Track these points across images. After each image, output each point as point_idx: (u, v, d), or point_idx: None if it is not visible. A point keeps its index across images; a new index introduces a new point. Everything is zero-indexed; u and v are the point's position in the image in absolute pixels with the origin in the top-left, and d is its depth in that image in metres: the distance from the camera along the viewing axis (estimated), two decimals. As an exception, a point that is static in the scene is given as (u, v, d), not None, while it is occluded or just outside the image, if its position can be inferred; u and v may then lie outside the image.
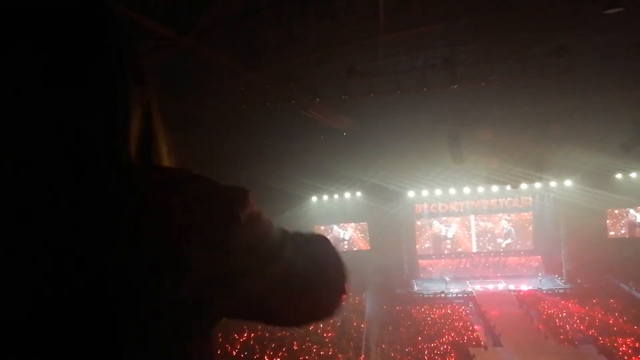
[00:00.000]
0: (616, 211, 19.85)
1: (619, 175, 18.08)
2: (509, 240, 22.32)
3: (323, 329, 15.69)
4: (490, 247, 22.54)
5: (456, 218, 22.62)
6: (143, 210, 0.57)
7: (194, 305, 0.59)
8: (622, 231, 19.94)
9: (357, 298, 18.99)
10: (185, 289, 0.57)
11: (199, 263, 0.59)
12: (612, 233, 20.00)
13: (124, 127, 0.62)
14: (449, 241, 22.66)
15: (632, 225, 19.90)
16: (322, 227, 21.38)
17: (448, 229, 22.62)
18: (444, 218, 22.59)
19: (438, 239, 22.66)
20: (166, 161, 0.69)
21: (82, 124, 0.58)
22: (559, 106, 12.22)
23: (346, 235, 22.15)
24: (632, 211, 19.78)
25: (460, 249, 22.64)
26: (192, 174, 0.63)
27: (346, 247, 21.69)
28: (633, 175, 18.04)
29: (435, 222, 22.64)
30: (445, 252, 22.66)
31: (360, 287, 19.05)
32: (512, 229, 22.29)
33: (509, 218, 22.33)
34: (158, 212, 0.57)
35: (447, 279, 21.09)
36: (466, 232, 22.69)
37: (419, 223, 22.67)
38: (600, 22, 7.81)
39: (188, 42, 6.81)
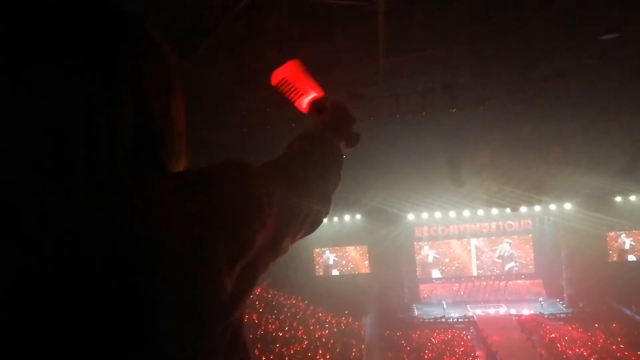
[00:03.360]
0: (615, 235, 19.75)
1: (618, 199, 18.06)
2: (512, 264, 22.16)
3: (322, 354, 15.44)
4: (491, 271, 22.38)
5: (455, 241, 22.51)
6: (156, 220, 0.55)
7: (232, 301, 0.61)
8: (615, 257, 19.77)
9: (356, 322, 18.76)
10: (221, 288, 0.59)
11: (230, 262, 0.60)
12: (611, 258, 19.84)
13: (124, 132, 0.59)
14: (445, 266, 22.48)
15: (621, 251, 19.78)
16: (321, 250, 21.28)
17: (438, 254, 22.44)
18: (445, 241, 22.48)
19: (427, 265, 22.49)
20: (182, 162, 0.70)
21: (86, 128, 0.56)
22: (559, 129, 12.31)
23: (345, 259, 22.00)
24: (623, 236, 19.67)
25: (461, 273, 22.47)
26: (202, 173, 0.63)
27: (345, 270, 21.53)
28: (632, 198, 18.03)
29: (425, 247, 22.51)
30: (445, 276, 22.48)
31: (360, 311, 18.84)
32: (514, 252, 22.17)
33: (510, 241, 22.22)
34: (173, 220, 0.56)
35: (445, 304, 20.90)
36: (466, 256, 22.55)
37: (418, 245, 22.56)
38: (597, 46, 7.94)
39: (189, 65, 6.89)
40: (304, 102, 1.10)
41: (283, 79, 1.09)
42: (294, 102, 1.10)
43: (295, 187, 0.80)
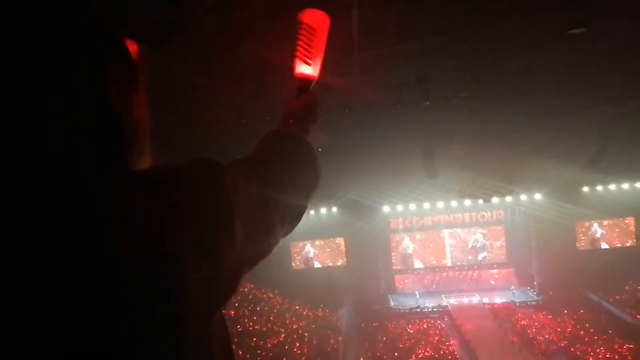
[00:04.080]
0: (586, 224, 20.34)
1: (586, 189, 18.60)
2: (484, 254, 22.63)
3: (299, 347, 15.51)
4: (464, 261, 22.81)
5: (429, 232, 22.82)
6: (123, 217, 0.55)
7: (199, 301, 0.59)
8: (584, 244, 20.40)
9: (333, 314, 18.88)
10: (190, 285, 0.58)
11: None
12: (580, 246, 20.45)
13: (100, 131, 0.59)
14: (416, 256, 22.79)
15: (593, 240, 20.41)
16: (300, 244, 21.28)
17: (415, 245, 22.76)
18: (420, 232, 22.76)
19: (406, 255, 22.79)
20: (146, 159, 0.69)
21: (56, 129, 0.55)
22: (529, 122, 12.57)
23: (321, 251, 22.07)
24: (595, 225, 20.27)
25: (434, 263, 22.83)
26: (170, 172, 0.63)
27: (325, 262, 21.62)
28: (599, 188, 18.59)
29: (406, 239, 22.79)
30: (419, 266, 22.80)
31: (337, 303, 18.97)
32: (486, 242, 22.63)
33: (483, 232, 22.66)
34: (140, 217, 0.56)
35: (418, 294, 21.23)
36: (441, 247, 22.91)
37: (394, 237, 22.79)
38: (565, 42, 8.12)
39: (159, 60, 6.76)
40: (303, 68, 1.05)
41: (311, 26, 1.02)
42: (297, 54, 1.04)
43: (269, 185, 0.80)
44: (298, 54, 1.04)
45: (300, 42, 1.03)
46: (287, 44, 1.13)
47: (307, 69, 1.05)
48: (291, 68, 1.07)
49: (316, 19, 1.02)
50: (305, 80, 1.07)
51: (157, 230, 0.56)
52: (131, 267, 0.54)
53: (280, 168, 0.86)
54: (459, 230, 22.78)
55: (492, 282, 22.21)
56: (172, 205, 0.58)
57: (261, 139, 0.94)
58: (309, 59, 1.04)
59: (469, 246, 22.77)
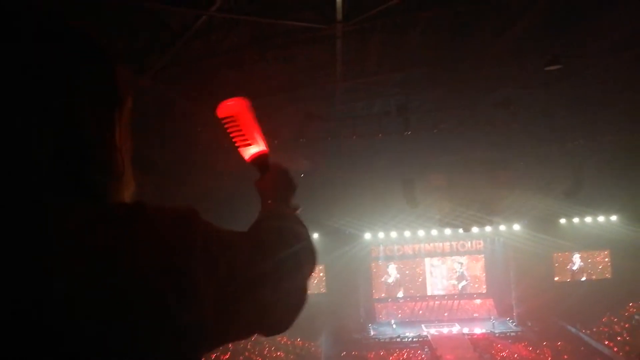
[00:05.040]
0: (561, 255, 20.57)
1: (563, 221, 18.89)
2: (463, 282, 22.63)
3: (277, 376, 15.15)
4: (444, 290, 22.77)
5: (410, 260, 22.80)
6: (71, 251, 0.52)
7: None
8: (563, 276, 20.58)
9: (312, 343, 18.56)
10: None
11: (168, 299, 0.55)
12: (557, 277, 20.63)
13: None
14: (398, 285, 22.69)
15: (571, 272, 20.64)
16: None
17: (396, 273, 22.69)
18: (401, 261, 22.72)
19: (389, 284, 22.67)
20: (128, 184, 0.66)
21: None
22: (506, 154, 12.83)
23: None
24: (576, 257, 20.52)
25: (414, 292, 22.73)
26: (133, 208, 0.59)
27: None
28: (575, 220, 18.90)
29: (391, 266, 22.71)
30: (400, 295, 22.68)
31: (316, 332, 18.67)
32: (464, 271, 22.67)
33: (462, 261, 22.73)
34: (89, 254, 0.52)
35: (394, 324, 21.05)
36: (421, 275, 22.87)
37: (375, 265, 22.68)
38: (542, 77, 8.38)
39: (145, 82, 6.77)
40: (249, 152, 1.07)
41: (232, 116, 1.04)
42: (237, 146, 1.07)
43: (258, 267, 0.72)
44: (237, 144, 1.07)
45: (233, 137, 1.06)
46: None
47: (253, 149, 1.07)
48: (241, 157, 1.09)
49: (231, 109, 1.04)
50: (259, 158, 1.08)
51: (98, 265, 0.53)
52: (73, 307, 0.51)
53: (277, 259, 0.78)
54: (439, 259, 22.80)
55: (474, 312, 22.16)
56: (121, 240, 0.54)
57: (248, 232, 0.86)
58: (251, 143, 1.06)
59: (449, 275, 22.75)
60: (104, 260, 0.53)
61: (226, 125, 1.05)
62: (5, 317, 0.49)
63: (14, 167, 0.54)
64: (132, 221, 0.57)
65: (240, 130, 1.05)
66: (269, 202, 0.99)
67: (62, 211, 0.55)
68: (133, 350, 0.53)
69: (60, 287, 0.51)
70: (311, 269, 0.88)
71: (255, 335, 0.78)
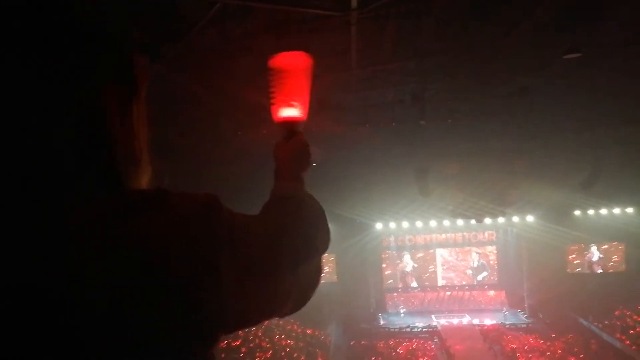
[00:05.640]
0: (575, 247, 20.37)
1: (577, 212, 18.68)
2: (484, 273, 22.45)
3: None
4: (456, 282, 22.73)
5: (421, 251, 22.75)
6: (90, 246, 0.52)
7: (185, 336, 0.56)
8: (579, 268, 20.36)
9: (322, 332, 18.69)
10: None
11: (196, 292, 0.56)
12: (570, 269, 20.46)
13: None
14: (413, 275, 22.67)
15: (590, 262, 20.42)
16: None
17: (413, 262, 22.66)
18: (413, 251, 22.68)
19: (403, 273, 22.66)
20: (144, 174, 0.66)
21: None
22: (523, 143, 12.67)
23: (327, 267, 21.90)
24: (593, 248, 20.27)
25: (426, 283, 22.73)
26: (156, 196, 0.58)
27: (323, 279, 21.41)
28: (590, 212, 18.68)
29: (406, 256, 22.67)
30: (412, 285, 22.68)
31: (326, 320, 18.79)
32: (484, 262, 22.49)
33: (480, 251, 22.56)
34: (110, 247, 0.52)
35: (403, 313, 21.07)
36: (433, 266, 22.83)
37: (385, 256, 22.69)
38: (560, 66, 8.24)
39: (160, 69, 6.79)
40: (285, 113, 0.97)
41: (285, 70, 0.94)
42: (272, 102, 0.97)
43: (277, 252, 0.73)
44: (274, 101, 0.97)
45: (275, 89, 0.96)
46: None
47: (291, 111, 0.98)
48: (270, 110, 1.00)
49: (288, 62, 0.96)
50: (292, 123, 0.99)
51: (119, 254, 0.53)
52: (92, 296, 0.52)
53: (288, 239, 0.78)
54: (451, 249, 22.72)
55: (484, 303, 22.10)
56: (143, 229, 0.55)
57: (262, 209, 0.86)
58: (290, 102, 0.96)
59: (463, 266, 22.60)
60: (130, 249, 0.53)
61: (273, 78, 0.95)
62: (33, 304, 0.50)
63: (36, 157, 0.53)
64: (156, 210, 0.56)
65: (287, 88, 0.96)
66: (283, 173, 0.95)
67: (85, 200, 0.55)
68: (155, 334, 0.54)
69: (86, 277, 0.51)
70: (325, 248, 0.89)
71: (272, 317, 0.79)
